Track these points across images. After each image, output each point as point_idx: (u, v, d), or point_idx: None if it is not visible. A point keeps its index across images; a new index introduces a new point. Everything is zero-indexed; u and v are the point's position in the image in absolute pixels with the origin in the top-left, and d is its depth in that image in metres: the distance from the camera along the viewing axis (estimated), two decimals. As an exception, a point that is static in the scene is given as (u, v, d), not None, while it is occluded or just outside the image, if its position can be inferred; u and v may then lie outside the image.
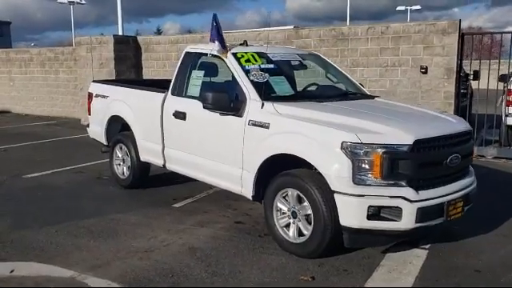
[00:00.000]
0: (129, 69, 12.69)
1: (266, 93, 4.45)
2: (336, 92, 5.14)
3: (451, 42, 8.57)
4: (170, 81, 8.41)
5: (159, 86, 6.57)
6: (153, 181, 6.47)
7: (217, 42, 4.94)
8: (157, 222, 5.03)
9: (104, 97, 6.57)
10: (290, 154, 4.04)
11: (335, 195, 3.73)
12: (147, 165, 6.23)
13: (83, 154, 8.76)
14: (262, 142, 4.25)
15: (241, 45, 5.23)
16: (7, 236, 4.55)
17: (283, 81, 4.92)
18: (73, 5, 44.51)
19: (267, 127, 4.22)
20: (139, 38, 12.94)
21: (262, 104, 4.36)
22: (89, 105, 6.95)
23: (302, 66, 5.43)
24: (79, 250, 4.26)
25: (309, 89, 5.27)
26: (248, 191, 4.48)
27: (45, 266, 3.92)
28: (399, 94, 9.17)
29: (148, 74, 12.74)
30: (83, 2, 44.63)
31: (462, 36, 8.69)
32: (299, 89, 5.33)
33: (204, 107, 4.67)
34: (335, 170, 3.69)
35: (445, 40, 8.62)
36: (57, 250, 4.25)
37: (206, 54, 5.22)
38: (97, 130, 6.84)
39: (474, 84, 11.23)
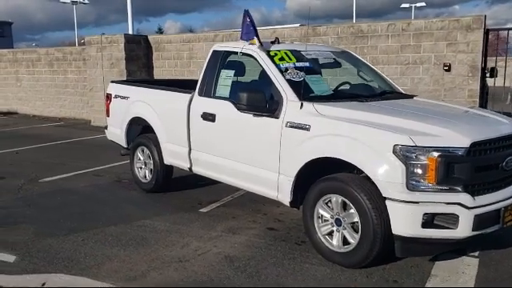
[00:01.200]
0: (140, 69, 12.46)
1: (304, 93, 4.21)
2: (374, 91, 4.91)
3: (476, 39, 8.33)
4: (190, 81, 8.32)
5: (180, 85, 6.37)
6: (174, 184, 6.25)
7: (251, 40, 4.70)
8: (186, 229, 4.81)
9: (124, 98, 6.35)
10: (333, 158, 3.81)
11: (387, 202, 3.50)
12: (170, 168, 6.01)
13: (99, 156, 8.56)
14: (302, 145, 4.02)
15: (272, 42, 4.99)
16: (32, 245, 4.33)
17: (320, 79, 4.68)
18: (75, 4, 44.37)
19: (307, 129, 3.99)
20: (150, 38, 12.71)
21: (301, 104, 4.12)
22: (107, 106, 6.73)
23: (337, 64, 5.20)
24: (110, 260, 4.04)
25: (345, 88, 5.03)
26: (285, 197, 4.25)
27: (77, 278, 3.70)
28: (421, 93, 8.91)
29: (159, 73, 12.52)
30: (86, 1, 44.48)
31: (486, 32, 8.45)
32: (333, 88, 5.09)
33: (237, 108, 4.44)
34: (387, 175, 3.46)
35: (469, 36, 8.37)
36: (86, 260, 4.02)
37: (235, 53, 4.99)
38: (116, 132, 6.61)
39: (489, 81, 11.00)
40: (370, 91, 4.90)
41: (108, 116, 6.79)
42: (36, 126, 13.08)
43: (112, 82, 6.93)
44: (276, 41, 5.04)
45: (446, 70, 8.64)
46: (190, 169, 5.47)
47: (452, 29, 8.53)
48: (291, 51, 4.77)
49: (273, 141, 4.27)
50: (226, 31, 11.70)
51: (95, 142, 10.35)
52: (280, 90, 4.33)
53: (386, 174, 3.47)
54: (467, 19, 8.42)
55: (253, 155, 4.56)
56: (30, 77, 15.77)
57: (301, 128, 4.04)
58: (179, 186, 6.28)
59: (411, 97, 4.99)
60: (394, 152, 3.43)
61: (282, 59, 4.60)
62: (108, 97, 6.69)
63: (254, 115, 4.43)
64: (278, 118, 4.25)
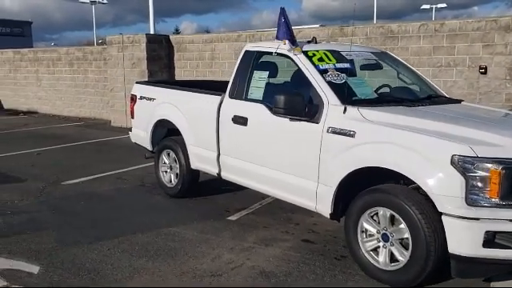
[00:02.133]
0: (161, 69, 12.27)
1: (346, 96, 3.92)
2: (418, 95, 4.59)
3: (515, 40, 7.92)
4: (214, 82, 8.09)
5: (204, 87, 6.14)
6: (199, 189, 5.99)
7: (286, 40, 4.42)
8: (216, 238, 4.55)
9: (150, 99, 6.12)
10: (381, 168, 3.51)
11: (443, 217, 3.19)
12: (197, 173, 5.76)
13: (120, 158, 8.36)
14: (346, 153, 3.73)
15: (309, 42, 4.71)
16: (56, 255, 4.10)
17: (362, 82, 4.38)
18: (94, 4, 44.60)
19: (352, 136, 3.69)
20: (172, 38, 12.51)
21: (345, 109, 3.83)
22: (132, 107, 6.51)
23: (378, 66, 4.89)
24: (138, 273, 3.79)
25: (386, 91, 4.72)
26: (325, 208, 3.96)
27: (104, 293, 3.46)
28: (454, 96, 8.53)
29: (180, 74, 12.31)
30: (105, 1, 44.68)
31: (526, 33, 8.03)
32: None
33: (274, 112, 4.16)
34: (444, 188, 3.15)
35: (508, 37, 7.97)
36: (114, 272, 3.78)
37: (270, 53, 4.72)
38: (141, 135, 6.39)
39: None
40: (413, 95, 4.58)
41: (132, 118, 6.57)
42: (56, 125, 12.98)
43: (137, 82, 6.72)
44: (313, 40, 4.76)
45: (481, 73, 8.24)
46: (219, 174, 5.21)
47: (489, 29, 8.13)
48: (330, 51, 4.48)
49: (312, 147, 3.98)
50: (250, 31, 11.44)
51: (116, 143, 10.18)
52: (320, 92, 4.04)
53: (442, 187, 3.16)
54: (506, 19, 8.02)
55: (288, 162, 4.28)
56: (50, 76, 15.71)
57: (344, 134, 3.74)
58: (204, 191, 6.03)
59: (459, 101, 4.66)
60: (453, 163, 3.12)
61: (321, 60, 4.31)
62: (133, 98, 6.47)
63: (291, 119, 4.14)
64: (317, 122, 3.96)
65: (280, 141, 4.34)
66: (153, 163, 7.17)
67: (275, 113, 4.13)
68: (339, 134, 3.78)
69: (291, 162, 4.24)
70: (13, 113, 15.92)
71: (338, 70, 4.24)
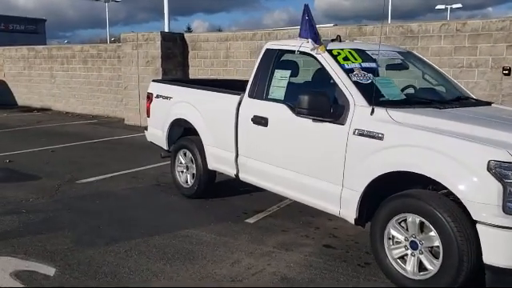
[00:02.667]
0: (175, 67, 12.19)
1: (374, 97, 3.76)
2: (446, 97, 4.42)
3: (540, 41, 7.70)
4: (231, 80, 7.97)
5: (221, 86, 6.03)
6: (215, 190, 5.87)
7: (309, 38, 4.28)
8: (234, 242, 4.43)
9: (166, 98, 6.01)
10: (411, 172, 3.35)
11: (478, 226, 3.03)
12: (214, 173, 5.64)
13: (135, 156, 8.29)
14: (373, 156, 3.58)
15: (333, 41, 4.56)
16: (73, 256, 4.01)
17: (390, 82, 4.22)
18: (108, 2, 44.80)
19: (380, 138, 3.54)
20: (186, 36, 12.42)
21: (372, 110, 3.67)
22: (148, 106, 6.41)
23: (404, 66, 4.72)
24: (157, 276, 3.68)
25: (411, 92, 4.55)
26: (350, 213, 3.81)
27: (122, 298, 3.35)
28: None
29: (195, 73, 12.22)
30: (118, -1, 44.84)
31: (552, 34, 7.81)
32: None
33: (297, 112, 4.02)
34: (480, 195, 2.99)
35: (533, 38, 7.75)
36: (131, 276, 3.68)
37: (292, 51, 4.58)
38: (157, 134, 6.29)
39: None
40: (441, 97, 4.42)
41: (148, 116, 6.47)
42: (70, 123, 12.95)
43: (153, 81, 6.63)
44: (337, 39, 4.61)
45: (505, 74, 8.03)
46: (237, 175, 5.09)
47: (513, 30, 7.91)
48: (355, 50, 4.33)
49: (336, 150, 3.84)
50: (266, 30, 11.31)
51: (130, 141, 10.11)
52: (346, 93, 3.89)
53: (478, 193, 3.00)
54: (531, 19, 7.80)
55: (311, 165, 4.14)
56: (64, 73, 15.72)
57: (372, 137, 3.59)
58: (220, 192, 5.91)
59: (489, 104, 4.48)
60: (489, 169, 2.96)
61: (346, 59, 4.17)
62: (149, 96, 6.38)
63: (314, 120, 4.00)
64: (343, 124, 3.81)
65: (302, 142, 4.20)
66: (167, 163, 7.09)
67: (298, 113, 3.99)
68: (366, 136, 3.64)
69: (314, 165, 4.11)
70: (27, 109, 15.96)
71: (363, 69, 4.09)
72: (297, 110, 3.98)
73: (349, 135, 3.75)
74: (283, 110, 4.35)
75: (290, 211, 5.34)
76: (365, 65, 4.16)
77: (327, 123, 3.91)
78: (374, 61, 4.25)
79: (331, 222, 4.98)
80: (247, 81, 7.44)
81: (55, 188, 6.12)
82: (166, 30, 13.06)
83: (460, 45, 8.48)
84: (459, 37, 8.48)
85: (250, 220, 5.06)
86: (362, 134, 3.67)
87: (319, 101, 3.84)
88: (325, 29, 10.19)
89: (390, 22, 29.73)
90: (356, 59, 4.19)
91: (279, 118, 4.42)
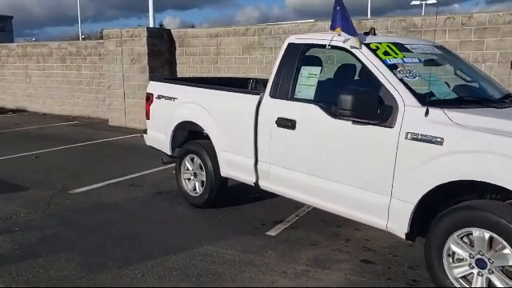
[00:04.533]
0: (162, 65, 11.59)
1: (426, 96, 3.35)
2: (494, 94, 4.04)
3: (551, 34, 7.46)
4: (241, 79, 7.48)
5: (230, 84, 5.59)
6: (222, 198, 5.36)
7: (342, 31, 3.84)
8: (261, 259, 3.96)
9: (170, 99, 5.48)
10: (478, 182, 2.96)
11: None
12: (225, 181, 5.16)
13: (128, 161, 7.71)
14: (431, 164, 3.17)
15: (366, 34, 4.13)
16: (81, 283, 3.47)
17: (437, 80, 3.82)
18: (79, -2, 43.43)
19: (439, 143, 3.13)
20: (173, 32, 11.82)
21: (426, 111, 3.26)
22: (147, 107, 5.86)
23: (443, 61, 4.32)
24: (186, 307, 3.19)
25: (454, 90, 4.16)
26: (400, 227, 3.39)
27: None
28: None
29: (183, 70, 11.64)
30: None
31: (561, 27, 7.58)
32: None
33: (338, 114, 3.56)
34: None
35: (543, 32, 7.51)
36: (156, 307, 3.17)
37: (320, 46, 4.13)
38: (158, 138, 5.75)
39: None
40: (487, 94, 4.04)
41: (148, 119, 5.92)
42: (49, 125, 12.20)
43: (153, 80, 6.09)
44: (371, 31, 4.18)
45: (513, 69, 7.77)
46: (256, 183, 4.62)
47: (522, 23, 7.66)
48: (394, 44, 3.91)
49: (384, 156, 3.42)
50: (259, 25, 10.82)
51: (118, 144, 9.50)
52: (392, 92, 3.46)
53: None
54: (541, 12, 7.55)
55: (351, 172, 3.70)
56: (40, 72, 14.87)
57: (429, 141, 3.18)
58: (229, 200, 5.41)
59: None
60: None
61: (386, 54, 3.74)
62: (149, 97, 5.83)
63: (355, 123, 3.57)
64: (391, 127, 3.39)
65: (339, 147, 3.76)
66: (165, 167, 6.64)
67: (340, 115, 3.54)
68: (421, 140, 3.22)
69: (355, 173, 3.67)
70: (0, 111, 15.04)
71: (406, 64, 3.67)
72: (338, 111, 3.52)
73: (399, 139, 3.33)
74: (314, 111, 3.91)
75: (312, 221, 4.91)
76: (407, 60, 3.75)
77: (371, 126, 3.48)
78: (416, 56, 3.84)
79: (360, 232, 4.58)
80: (252, 79, 7.11)
81: (47, 200, 5.51)
82: (151, 25, 12.42)
83: (466, 39, 8.19)
84: (465, 31, 8.18)
85: (271, 232, 4.60)
86: (415, 138, 3.25)
87: (365, 101, 3.41)
88: (323, 23, 9.78)
89: (369, 16, 29.58)
90: (397, 54, 3.77)
91: (310, 119, 3.97)
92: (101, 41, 13.09)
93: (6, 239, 4.27)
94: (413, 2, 42.94)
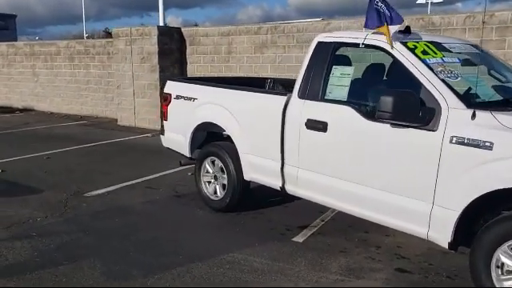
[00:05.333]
0: (172, 64, 11.42)
1: (471, 97, 3.17)
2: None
3: None
4: (254, 79, 7.32)
5: (250, 84, 5.45)
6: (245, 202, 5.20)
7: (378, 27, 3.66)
8: (292, 268, 3.79)
9: (190, 99, 5.31)
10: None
11: None
12: (248, 184, 4.98)
13: (142, 162, 7.57)
14: (479, 170, 2.99)
15: (401, 32, 3.94)
16: (107, 294, 3.31)
17: (480, 80, 3.63)
18: (80, -3, 43.34)
19: (489, 148, 2.95)
20: (184, 30, 11.65)
21: (473, 114, 3.08)
22: (165, 108, 5.69)
23: (481, 61, 4.12)
24: (219, 320, 3.01)
25: (499, 91, 3.97)
26: (443, 236, 3.22)
27: None
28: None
29: (193, 70, 11.47)
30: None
31: None
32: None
33: (377, 116, 3.38)
34: None
35: None
36: (187, 320, 3.00)
37: (353, 45, 3.96)
38: (176, 139, 5.58)
39: None
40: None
41: (165, 120, 5.75)
42: (58, 124, 12.05)
43: (170, 80, 5.91)
44: (407, 30, 3.99)
45: (536, 69, 7.57)
46: (283, 188, 4.45)
47: (546, 21, 7.46)
48: (431, 43, 3.73)
49: (426, 160, 3.24)
50: (272, 23, 10.65)
51: (129, 144, 9.34)
52: (434, 93, 3.28)
53: None
54: None
55: (388, 178, 3.52)
56: (47, 71, 14.73)
57: (477, 146, 3.00)
58: (249, 203, 5.22)
59: None
60: None
61: (425, 53, 3.56)
62: (166, 97, 5.65)
63: (393, 126, 3.39)
64: (434, 130, 3.21)
65: (376, 151, 3.58)
66: (180, 169, 6.53)
67: (379, 117, 3.36)
68: (468, 145, 3.04)
69: (393, 178, 3.49)
70: (8, 110, 14.91)
71: (446, 64, 3.49)
72: (378, 113, 3.34)
73: (443, 144, 3.15)
74: (348, 112, 3.73)
75: (338, 226, 4.74)
76: (447, 60, 3.57)
77: (412, 129, 3.30)
78: (456, 55, 3.66)
79: (389, 238, 4.41)
80: (270, 79, 6.92)
81: (63, 203, 5.35)
82: (161, 23, 12.25)
83: (486, 38, 7.98)
84: (486, 29, 7.98)
85: (298, 239, 4.43)
86: (461, 142, 3.07)
87: (406, 103, 3.23)
88: (337, 22, 9.60)
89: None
90: (436, 53, 3.59)
91: (343, 122, 3.79)
92: (110, 39, 12.95)
93: (24, 245, 4.10)
94: (418, 1, 42.68)
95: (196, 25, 45.16)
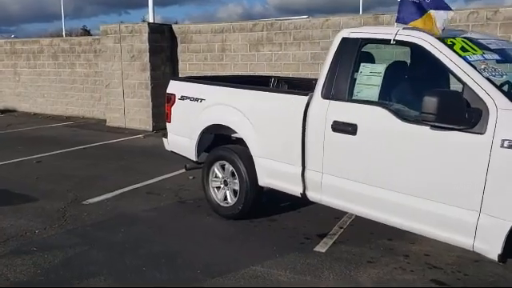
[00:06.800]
0: (164, 62, 11.06)
1: (517, 97, 2.94)
2: None
3: None
4: (257, 77, 7.02)
5: (249, 83, 5.22)
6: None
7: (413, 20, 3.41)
8: (319, 282, 3.52)
9: (196, 100, 4.99)
10: None
11: None
12: (262, 190, 4.69)
13: (138, 165, 7.21)
14: (535, 176, 2.75)
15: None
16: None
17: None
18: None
19: (547, 153, 2.72)
20: (175, 27, 11.29)
21: (527, 115, 2.84)
22: (169, 109, 5.35)
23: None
24: None
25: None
26: (492, 247, 2.98)
27: None
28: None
29: (185, 68, 11.12)
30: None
31: None
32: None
33: (420, 118, 3.12)
34: None
35: None
36: None
37: (382, 41, 3.70)
38: (181, 142, 5.26)
39: None
40: None
41: (169, 122, 5.41)
42: (43, 126, 11.55)
43: (173, 79, 5.58)
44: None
45: (542, 66, 7.44)
46: (304, 194, 4.17)
47: (552, 18, 7.34)
48: (468, 39, 3.49)
49: (473, 166, 3.00)
50: (267, 20, 10.35)
51: (122, 146, 8.96)
52: (480, 93, 3.04)
53: None
54: None
55: (428, 184, 3.27)
56: (30, 70, 14.19)
57: (532, 151, 2.76)
58: (260, 209, 4.93)
59: None
60: None
61: (464, 50, 3.32)
62: (170, 98, 5.32)
63: (434, 128, 3.14)
64: (481, 133, 2.96)
65: (414, 155, 3.33)
66: (179, 172, 6.26)
67: (423, 119, 3.10)
68: (523, 149, 2.80)
69: (434, 185, 3.24)
70: (-12, 111, 14.32)
71: (487, 61, 3.26)
72: (421, 115, 3.07)
73: (492, 148, 2.91)
74: (381, 113, 3.47)
75: (359, 233, 4.48)
76: (488, 57, 3.33)
77: (456, 132, 3.05)
78: (496, 52, 3.42)
79: (415, 245, 4.18)
80: (274, 77, 6.63)
81: (61, 213, 4.98)
82: (151, 20, 11.83)
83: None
84: (490, 26, 7.84)
85: (320, 248, 4.15)
86: (515, 146, 2.83)
87: (452, 103, 2.98)
88: (337, 18, 9.35)
89: (361, 13, 29.25)
90: (475, 50, 3.35)
91: (375, 124, 3.53)
92: (96, 37, 12.51)
93: (25, 262, 3.73)
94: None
95: (176, 22, 44.57)
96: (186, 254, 3.97)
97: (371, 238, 4.35)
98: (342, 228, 4.63)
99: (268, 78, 6.72)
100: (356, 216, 4.51)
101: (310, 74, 9.31)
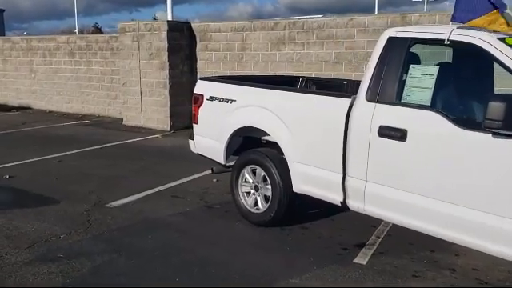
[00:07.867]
0: (182, 61, 10.85)
1: None
2: None
3: None
4: (284, 77, 6.80)
5: (276, 83, 5.08)
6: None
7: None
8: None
9: (226, 101, 4.77)
10: None
11: None
12: (295, 196, 4.46)
13: (158, 166, 7.02)
14: None
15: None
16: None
17: None
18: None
19: None
20: (194, 25, 11.08)
21: None
22: (196, 110, 5.14)
23: None
24: None
25: None
26: None
27: None
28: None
29: (204, 67, 10.92)
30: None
31: None
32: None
33: (486, 126, 2.88)
34: None
35: None
36: None
37: (438, 41, 3.45)
38: (209, 145, 5.04)
39: None
40: None
41: (196, 123, 5.20)
42: (59, 124, 11.40)
43: (201, 79, 5.37)
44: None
45: None
46: (344, 203, 3.93)
47: None
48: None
49: (542, 178, 2.74)
50: (290, 18, 10.14)
51: (141, 146, 8.77)
52: (551, 98, 2.79)
53: None
54: None
55: (487, 196, 3.02)
56: (46, 68, 14.06)
57: None
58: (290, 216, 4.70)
59: None
60: None
61: (527, 51, 3.07)
62: (197, 98, 5.11)
63: (496, 135, 2.89)
64: (553, 142, 2.72)
65: (472, 164, 3.08)
66: (204, 174, 6.11)
67: (487, 126, 2.85)
68: None
69: (493, 196, 2.99)
70: (3, 108, 14.20)
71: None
72: (486, 122, 2.83)
73: None
74: (434, 119, 3.23)
75: (398, 244, 4.24)
76: (552, 59, 3.07)
77: (523, 140, 2.80)
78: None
79: (460, 258, 3.94)
80: (302, 78, 6.40)
81: (85, 216, 4.79)
82: (169, 18, 11.64)
83: None
84: None
85: (360, 260, 3.92)
86: None
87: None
88: (362, 18, 9.09)
89: (376, 12, 28.86)
90: (539, 51, 3.09)
91: (427, 129, 3.28)
92: (114, 34, 12.34)
93: (52, 270, 3.54)
94: (414, -2, 42.33)
95: (187, 22, 44.35)
96: (220, 264, 3.76)
97: (412, 249, 4.12)
98: (379, 238, 4.39)
99: (295, 78, 6.50)
100: (393, 224, 4.28)
101: (332, 74, 9.07)
